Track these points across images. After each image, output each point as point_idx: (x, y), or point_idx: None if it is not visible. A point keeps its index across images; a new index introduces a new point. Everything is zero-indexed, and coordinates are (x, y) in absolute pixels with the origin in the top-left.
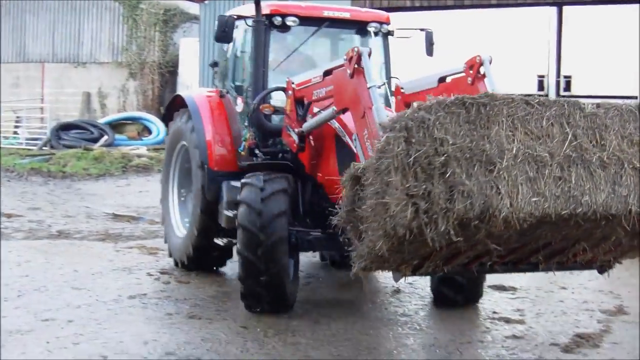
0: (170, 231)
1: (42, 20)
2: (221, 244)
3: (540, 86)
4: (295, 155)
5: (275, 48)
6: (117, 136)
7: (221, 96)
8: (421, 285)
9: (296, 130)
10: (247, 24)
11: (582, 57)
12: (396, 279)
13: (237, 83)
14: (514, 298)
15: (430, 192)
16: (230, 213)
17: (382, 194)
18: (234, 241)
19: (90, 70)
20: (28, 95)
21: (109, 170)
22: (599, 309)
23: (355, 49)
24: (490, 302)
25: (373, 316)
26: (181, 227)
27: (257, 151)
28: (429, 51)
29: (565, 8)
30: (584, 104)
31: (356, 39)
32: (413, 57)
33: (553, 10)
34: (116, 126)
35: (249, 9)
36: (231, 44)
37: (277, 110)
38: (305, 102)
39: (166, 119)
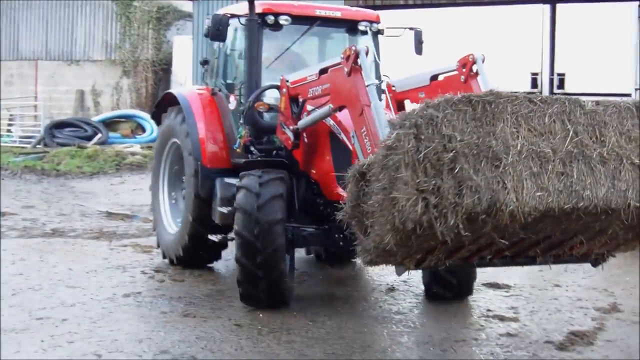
0: (161, 227)
1: (36, 17)
2: (216, 240)
3: (534, 84)
4: (289, 152)
5: (266, 46)
6: (111, 134)
7: (213, 94)
8: (415, 283)
9: (291, 127)
10: (240, 22)
11: (575, 55)
12: (399, 273)
13: (229, 81)
14: (508, 296)
15: (440, 187)
16: (224, 209)
17: (389, 190)
18: (229, 237)
19: (84, 68)
20: (21, 93)
21: (103, 168)
22: (593, 307)
23: (353, 48)
24: (484, 299)
25: (367, 314)
26: (172, 224)
27: (252, 148)
28: (418, 50)
29: (558, 5)
30: (584, 101)
31: (344, 37)
32: (406, 56)
33: (546, 7)
34: (110, 124)
35: (241, 8)
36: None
37: (271, 108)
38: (300, 99)
39: (156, 116)
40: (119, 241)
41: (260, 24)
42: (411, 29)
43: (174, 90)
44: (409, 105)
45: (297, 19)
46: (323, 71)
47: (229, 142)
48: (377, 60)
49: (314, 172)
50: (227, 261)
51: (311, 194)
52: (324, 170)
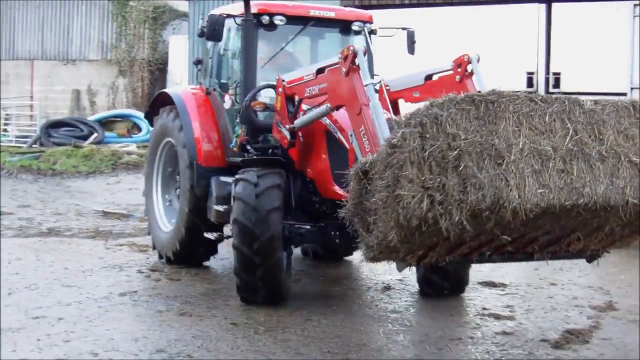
0: (155, 227)
1: (32, 17)
2: (212, 237)
3: (530, 83)
4: (285, 151)
5: (260, 46)
6: (107, 133)
7: (207, 93)
8: (411, 282)
9: (287, 126)
10: (236, 22)
11: (571, 54)
12: (400, 269)
13: (223, 80)
14: (504, 294)
15: (445, 185)
16: (220, 208)
17: (393, 187)
18: (225, 235)
19: (80, 67)
20: (17, 93)
21: (99, 168)
22: (588, 305)
23: (351, 48)
24: (480, 298)
25: (363, 313)
26: (167, 223)
27: (248, 147)
28: (411, 49)
29: (554, 5)
30: (583, 100)
31: (337, 37)
32: (402, 55)
33: (542, 7)
34: (106, 123)
35: (236, 8)
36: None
37: (267, 107)
38: (297, 99)
39: (149, 116)
40: (115, 240)
41: (255, 24)
42: (404, 29)
43: (168, 89)
44: (403, 105)
45: (291, 19)
46: (320, 71)
47: (223, 141)
48: (370, 60)
49: (310, 170)
50: (222, 260)
51: (307, 192)
52: (320, 169)
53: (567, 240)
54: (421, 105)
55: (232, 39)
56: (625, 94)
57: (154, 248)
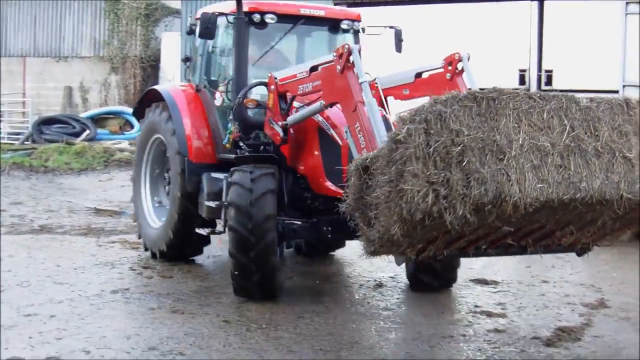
0: (144, 222)
1: (23, 14)
2: (204, 233)
3: (522, 80)
4: (277, 147)
5: (250, 44)
6: (99, 130)
7: (197, 90)
8: (403, 280)
9: (280, 123)
10: (228, 20)
11: (563, 51)
12: (399, 263)
13: (213, 78)
14: (496, 292)
15: (449, 179)
16: (212, 204)
17: (396, 182)
18: (216, 230)
19: (72, 64)
20: (9, 90)
21: (91, 165)
22: (580, 303)
23: (346, 46)
24: (472, 296)
25: (355, 310)
26: (155, 218)
27: (241, 144)
28: (398, 47)
29: (546, 2)
30: (579, 98)
31: (324, 35)
32: (395, 53)
33: (534, 4)
34: (98, 120)
35: (227, 6)
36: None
37: (259, 104)
38: (289, 96)
39: (138, 112)
40: (107, 237)
41: (246, 22)
42: (391, 27)
43: (158, 86)
44: (392, 102)
45: (282, 18)
46: (314, 68)
47: (214, 138)
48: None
49: (302, 167)
50: (215, 257)
51: (298, 188)
52: (313, 165)
53: (561, 233)
54: (414, 102)
55: (221, 36)
56: (617, 91)
57: (146, 249)
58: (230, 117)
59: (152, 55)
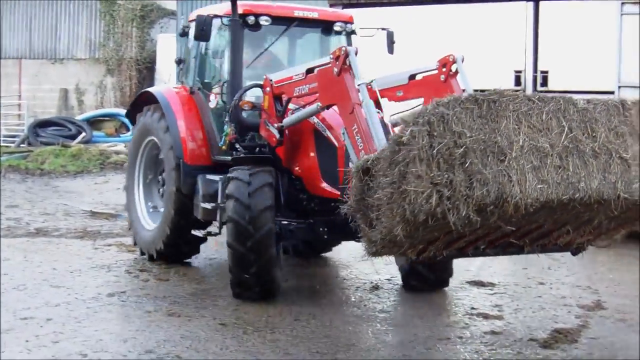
0: (138, 226)
1: (19, 15)
2: (200, 235)
3: (517, 81)
4: (272, 149)
5: (244, 46)
6: (95, 133)
7: (191, 92)
8: (399, 282)
9: (275, 125)
10: (223, 22)
11: (559, 52)
12: (400, 263)
13: (206, 80)
14: (492, 294)
15: (452, 181)
16: (207, 205)
17: (399, 183)
18: (213, 232)
19: (68, 66)
20: (5, 92)
21: (87, 167)
22: (577, 305)
23: (343, 48)
24: (468, 297)
25: (352, 313)
26: (150, 221)
27: (237, 145)
28: (390, 49)
29: (542, 3)
30: (576, 99)
31: (316, 37)
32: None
33: (530, 5)
34: (94, 123)
35: (221, 8)
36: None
37: (255, 106)
38: (285, 98)
39: (130, 115)
40: (103, 240)
41: (241, 24)
42: (384, 29)
43: (152, 88)
44: (386, 104)
45: (276, 20)
46: (310, 71)
47: (209, 140)
48: None
49: (297, 168)
50: (211, 260)
51: (294, 189)
52: (308, 166)
53: (558, 233)
54: (408, 103)
55: (215, 38)
56: (612, 92)
57: (142, 254)
58: (226, 119)
59: (147, 56)
